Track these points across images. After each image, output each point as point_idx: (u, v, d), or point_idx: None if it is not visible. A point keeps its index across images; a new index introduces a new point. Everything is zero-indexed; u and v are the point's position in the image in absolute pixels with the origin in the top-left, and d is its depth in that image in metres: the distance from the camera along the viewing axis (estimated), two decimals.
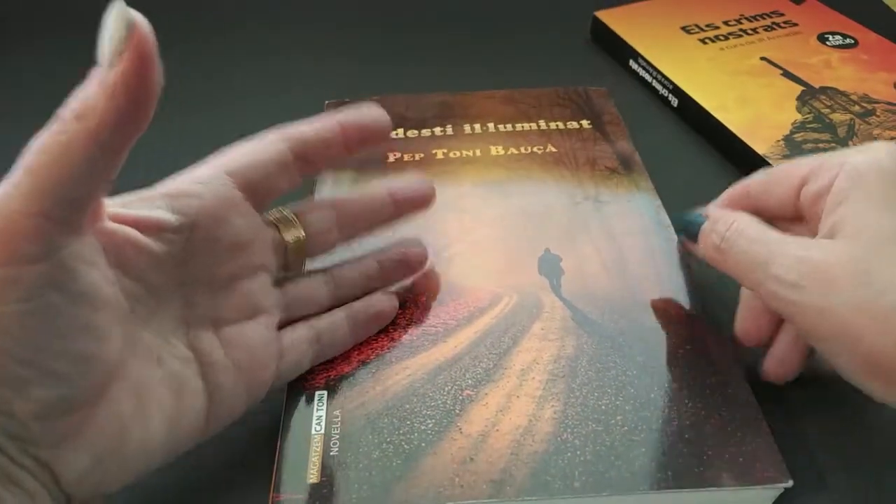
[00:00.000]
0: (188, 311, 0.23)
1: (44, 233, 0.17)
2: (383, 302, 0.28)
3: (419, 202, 0.29)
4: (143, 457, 0.21)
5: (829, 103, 0.42)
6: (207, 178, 0.23)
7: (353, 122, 0.25)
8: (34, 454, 0.18)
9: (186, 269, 0.22)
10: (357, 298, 0.28)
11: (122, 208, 0.21)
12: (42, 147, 0.17)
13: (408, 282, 0.30)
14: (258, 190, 0.24)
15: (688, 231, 0.28)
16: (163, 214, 0.21)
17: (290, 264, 0.26)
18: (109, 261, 0.20)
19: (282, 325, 0.26)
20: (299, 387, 0.26)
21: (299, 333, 0.26)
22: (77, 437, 0.19)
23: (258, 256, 0.24)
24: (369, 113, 0.26)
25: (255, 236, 0.24)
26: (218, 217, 0.22)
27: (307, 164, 0.25)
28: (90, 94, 0.16)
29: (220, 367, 0.23)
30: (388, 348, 0.28)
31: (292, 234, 0.26)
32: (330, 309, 0.27)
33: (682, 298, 0.30)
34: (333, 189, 0.36)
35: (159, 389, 0.21)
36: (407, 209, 0.28)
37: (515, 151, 0.38)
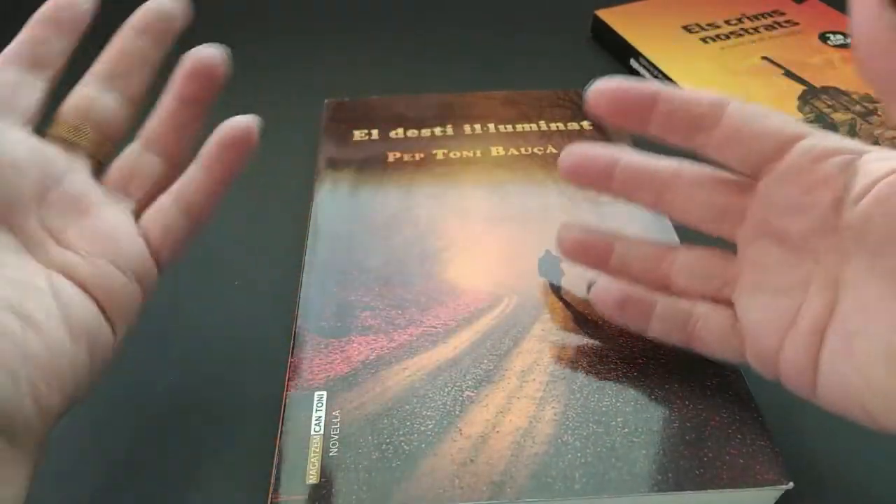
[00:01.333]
0: (22, 239, 0.23)
1: None
2: (230, 125, 0.26)
3: (167, 22, 0.27)
4: (62, 367, 0.21)
5: (830, 103, 0.42)
6: None
7: (48, 13, 0.25)
8: None
9: None
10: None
11: None
12: None
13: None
14: (12, 112, 0.24)
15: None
16: None
17: (103, 159, 0.26)
18: None
19: (143, 207, 0.26)
20: (299, 387, 0.26)
21: (157, 203, 0.26)
22: None
23: (51, 165, 0.24)
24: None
25: (32, 151, 0.23)
26: None
27: (42, 65, 0.25)
28: None
29: (80, 265, 0.23)
30: (388, 349, 0.28)
31: (72, 132, 0.25)
32: None
33: None
34: (333, 190, 0.36)
35: (36, 302, 0.21)
36: (161, 34, 0.27)
37: (516, 152, 0.38)
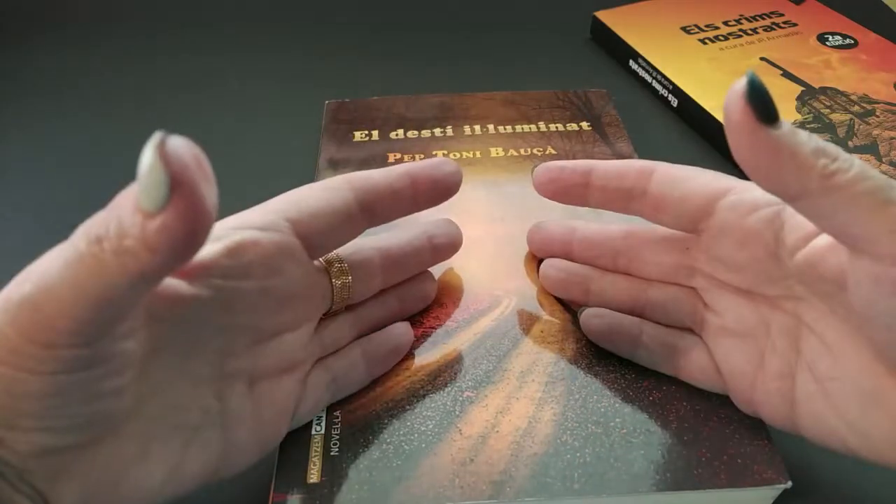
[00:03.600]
0: (224, 360, 0.21)
1: (85, 332, 0.15)
2: (400, 335, 0.27)
3: (452, 244, 0.29)
4: (136, 498, 0.20)
5: (828, 103, 0.42)
6: (266, 223, 0.21)
7: (426, 175, 0.25)
8: (30, 482, 0.17)
9: (230, 317, 0.21)
10: (373, 330, 0.27)
11: None
12: (69, 262, 0.15)
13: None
14: (318, 240, 0.23)
15: None
16: (212, 255, 0.20)
17: (331, 310, 0.25)
18: (150, 317, 0.18)
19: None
20: None
21: (317, 378, 0.24)
22: (74, 473, 0.18)
23: (308, 308, 0.23)
24: (442, 166, 0.25)
25: (307, 289, 0.23)
26: (273, 266, 0.21)
27: (373, 215, 0.24)
28: (127, 234, 0.14)
29: (243, 422, 0.22)
30: None
31: (341, 280, 0.25)
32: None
33: None
34: None
35: (169, 437, 0.20)
36: (443, 252, 0.29)
37: (515, 153, 0.38)
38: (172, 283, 0.19)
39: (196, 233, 0.14)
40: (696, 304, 0.26)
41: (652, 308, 0.27)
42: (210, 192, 0.14)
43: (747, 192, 0.22)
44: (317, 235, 0.22)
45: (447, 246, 0.28)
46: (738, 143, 0.17)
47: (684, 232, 0.25)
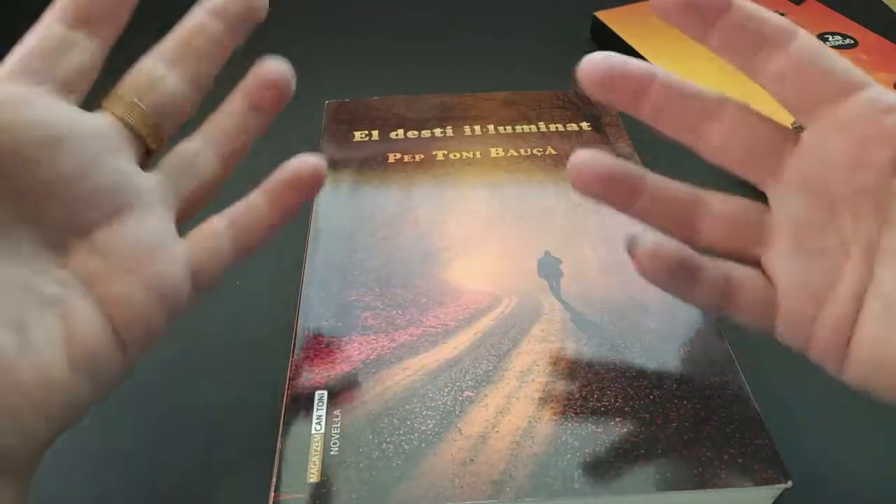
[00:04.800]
0: (44, 231, 0.20)
1: None
2: (302, 163, 0.25)
3: (248, 9, 0.24)
4: (52, 398, 0.19)
5: None
6: None
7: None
8: None
9: (10, 187, 0.19)
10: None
11: None
12: None
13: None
14: (54, 77, 0.20)
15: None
16: None
17: (153, 145, 0.23)
18: None
19: (186, 213, 0.23)
20: (299, 386, 0.26)
21: (208, 221, 0.23)
22: None
23: (92, 146, 0.20)
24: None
25: (72, 127, 0.20)
26: (7, 122, 0.19)
27: (95, 24, 0.21)
28: None
29: (104, 276, 0.20)
30: (389, 349, 0.28)
31: (129, 112, 0.22)
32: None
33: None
34: (333, 191, 0.36)
35: (39, 318, 0.19)
36: (239, 20, 0.24)
37: (515, 153, 0.38)
38: None
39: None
40: (763, 218, 0.23)
41: (712, 220, 0.23)
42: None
43: (886, 93, 0.20)
44: (46, 72, 0.20)
45: (232, 6, 0.24)
46: None
47: (797, 112, 0.22)
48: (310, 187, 0.25)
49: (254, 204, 0.24)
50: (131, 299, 0.21)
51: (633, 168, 0.23)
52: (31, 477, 0.19)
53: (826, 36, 0.48)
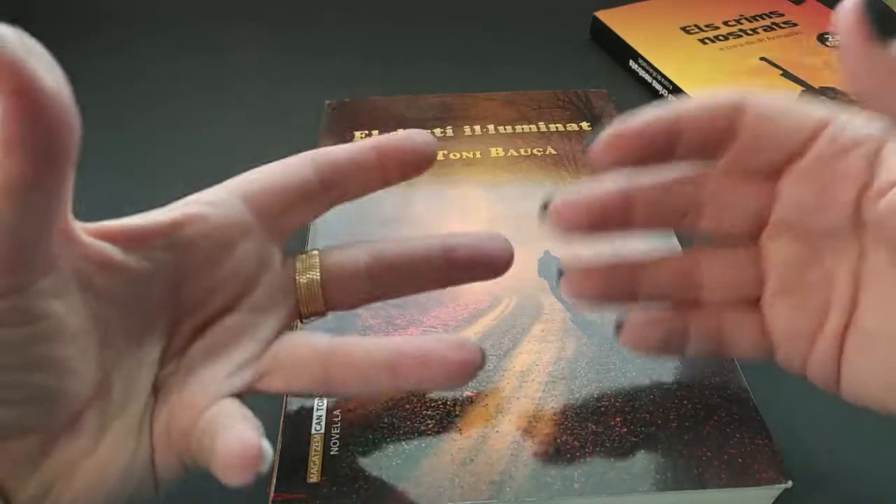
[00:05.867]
0: (167, 348, 0.21)
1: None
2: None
3: (489, 264, 0.23)
4: (92, 493, 0.19)
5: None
6: (218, 199, 0.21)
7: (395, 146, 0.23)
8: None
9: (178, 299, 0.20)
10: None
11: (109, 222, 0.19)
12: None
13: None
14: (277, 218, 0.21)
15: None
16: (154, 223, 0.19)
17: (302, 313, 0.23)
18: (82, 284, 0.18)
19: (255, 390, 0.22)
20: None
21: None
22: (32, 463, 0.18)
23: (261, 295, 0.22)
24: (413, 136, 0.23)
25: (262, 270, 0.21)
26: (221, 241, 0.20)
27: (338, 191, 0.22)
28: None
29: (164, 446, 0.21)
30: None
31: (307, 276, 0.22)
32: None
33: None
34: None
35: (121, 427, 0.19)
36: (465, 270, 0.23)
37: (515, 153, 0.38)
38: (107, 249, 0.18)
39: (41, 113, 0.14)
40: (758, 265, 0.23)
41: (710, 280, 0.24)
42: (44, 69, 0.14)
43: (847, 123, 0.20)
44: (274, 211, 0.21)
45: (469, 259, 0.23)
46: (853, 63, 0.15)
47: (767, 173, 0.22)
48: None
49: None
50: (170, 474, 0.21)
51: (626, 261, 0.24)
52: None
53: (826, 36, 0.48)
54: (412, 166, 0.23)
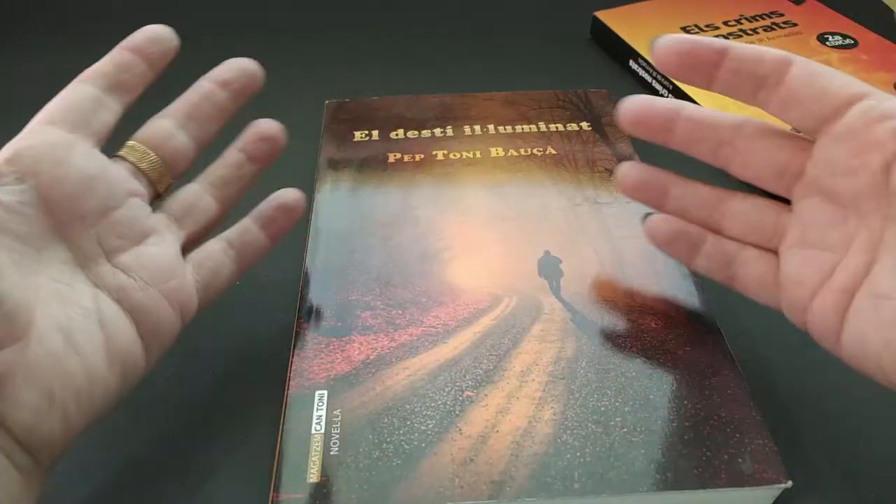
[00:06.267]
0: (76, 253, 0.24)
1: None
2: (286, 194, 0.29)
3: (248, 81, 0.28)
4: (94, 392, 0.22)
5: None
6: (30, 131, 0.24)
7: (140, 39, 0.27)
8: None
9: (52, 215, 0.23)
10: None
11: None
12: None
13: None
14: (87, 129, 0.25)
15: None
16: None
17: (161, 189, 0.27)
18: None
19: (190, 244, 0.27)
20: (300, 386, 0.26)
21: (209, 245, 0.28)
22: (14, 377, 0.20)
23: (116, 186, 0.25)
24: (147, 29, 0.27)
25: (102, 169, 0.24)
26: (55, 160, 0.23)
27: (120, 89, 0.26)
28: None
29: (131, 289, 0.24)
30: (389, 349, 0.28)
31: (146, 161, 0.26)
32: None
33: (682, 300, 0.30)
34: (333, 191, 0.36)
35: (82, 323, 0.22)
36: (240, 91, 0.28)
37: (515, 153, 0.38)
38: None
39: None
40: (779, 216, 0.25)
41: (731, 218, 0.26)
42: None
43: (884, 100, 0.22)
44: (75, 121, 0.24)
45: (236, 79, 0.28)
46: None
47: (804, 132, 0.24)
48: (293, 215, 0.29)
49: (247, 228, 0.29)
50: (155, 308, 0.24)
51: (663, 174, 0.28)
52: (54, 465, 0.22)
53: (826, 36, 0.48)
54: (157, 46, 0.27)
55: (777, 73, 0.23)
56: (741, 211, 0.26)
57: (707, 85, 0.25)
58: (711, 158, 0.26)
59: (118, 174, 0.25)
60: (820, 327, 0.24)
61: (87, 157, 0.24)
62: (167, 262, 0.25)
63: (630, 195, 0.28)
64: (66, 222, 0.23)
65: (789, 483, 0.23)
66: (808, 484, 0.26)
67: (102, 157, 0.25)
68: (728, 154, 0.26)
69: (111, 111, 0.26)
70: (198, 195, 0.28)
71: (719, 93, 0.25)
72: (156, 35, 0.27)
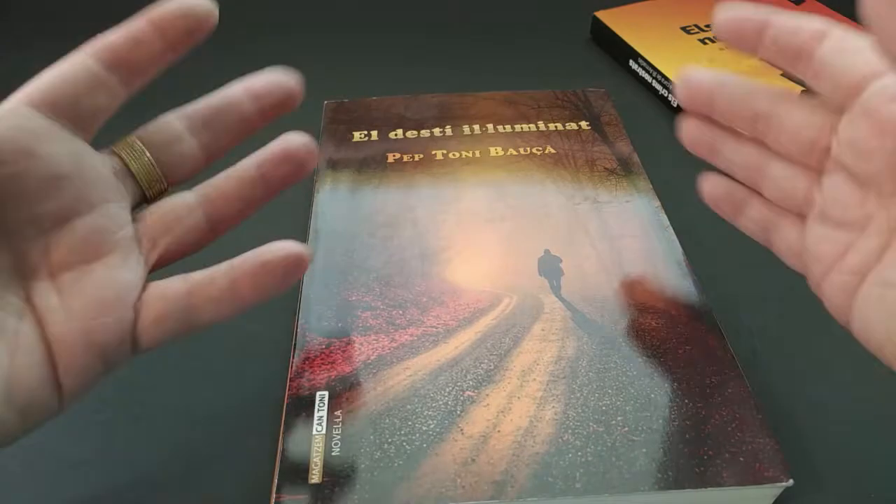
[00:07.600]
0: (20, 260, 0.21)
1: None
2: (277, 249, 0.23)
3: (284, 98, 0.24)
4: None
5: None
6: (2, 112, 0.20)
7: (168, 13, 0.22)
8: None
9: (3, 212, 0.20)
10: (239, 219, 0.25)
11: None
12: None
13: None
14: (70, 112, 0.21)
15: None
16: None
17: (150, 195, 0.23)
18: None
19: (160, 264, 0.23)
20: (301, 387, 0.26)
21: (167, 283, 0.23)
22: None
23: (90, 188, 0.21)
24: (184, 1, 0.22)
25: (77, 166, 0.21)
26: (20, 150, 0.20)
27: (125, 70, 0.22)
28: None
29: (58, 316, 0.21)
30: (389, 349, 0.28)
31: (140, 160, 0.23)
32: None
33: (682, 298, 0.30)
34: (333, 191, 0.36)
35: None
36: (272, 108, 0.24)
37: (515, 152, 0.38)
38: None
39: None
40: (811, 187, 0.25)
41: (770, 182, 0.26)
42: None
43: None
44: (68, 108, 0.21)
45: (273, 92, 0.24)
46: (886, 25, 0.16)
47: (835, 106, 0.24)
48: (281, 277, 0.23)
49: (217, 281, 0.23)
50: (75, 348, 0.21)
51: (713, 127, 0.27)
52: None
53: None
54: (191, 26, 0.22)
55: (811, 46, 0.23)
56: (778, 176, 0.26)
57: (753, 52, 0.25)
58: (750, 129, 0.26)
59: (97, 175, 0.22)
60: (832, 305, 0.24)
61: (60, 151, 0.20)
62: (111, 294, 0.21)
63: (686, 145, 0.28)
64: (17, 224, 0.20)
65: (790, 482, 0.23)
66: (809, 483, 0.26)
67: (84, 151, 0.21)
68: (762, 127, 0.26)
69: (111, 94, 0.22)
70: (188, 209, 0.23)
71: (765, 60, 0.25)
72: (190, 7, 0.22)
